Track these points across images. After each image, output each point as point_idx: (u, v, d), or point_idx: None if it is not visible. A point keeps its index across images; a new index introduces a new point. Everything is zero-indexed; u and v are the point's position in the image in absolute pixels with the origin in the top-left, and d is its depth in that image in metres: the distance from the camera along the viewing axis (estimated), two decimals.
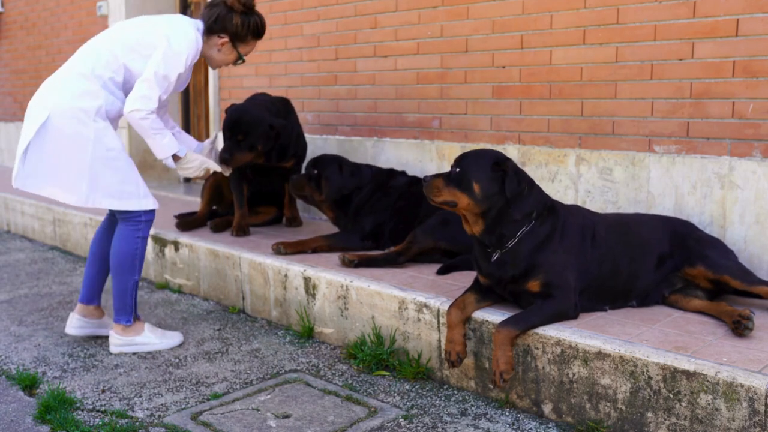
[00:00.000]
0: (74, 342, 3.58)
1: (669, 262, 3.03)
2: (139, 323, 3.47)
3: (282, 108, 4.53)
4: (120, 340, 3.43)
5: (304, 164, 4.68)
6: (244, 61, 3.53)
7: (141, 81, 3.17)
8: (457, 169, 2.85)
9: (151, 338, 3.46)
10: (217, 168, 3.62)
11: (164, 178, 7.16)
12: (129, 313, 3.41)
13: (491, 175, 2.79)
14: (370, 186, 4.15)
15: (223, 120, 4.22)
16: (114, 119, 3.34)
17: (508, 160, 2.86)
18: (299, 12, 5.37)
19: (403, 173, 4.28)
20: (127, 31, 3.30)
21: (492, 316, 2.89)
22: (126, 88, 3.29)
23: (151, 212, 3.39)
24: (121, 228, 3.37)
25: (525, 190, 2.81)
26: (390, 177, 4.23)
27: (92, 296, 3.57)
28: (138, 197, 3.31)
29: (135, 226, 3.35)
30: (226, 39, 3.39)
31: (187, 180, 3.71)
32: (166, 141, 3.30)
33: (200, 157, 3.49)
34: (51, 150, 3.19)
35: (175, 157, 3.40)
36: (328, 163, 4.18)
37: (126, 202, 3.29)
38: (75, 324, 3.54)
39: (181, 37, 3.23)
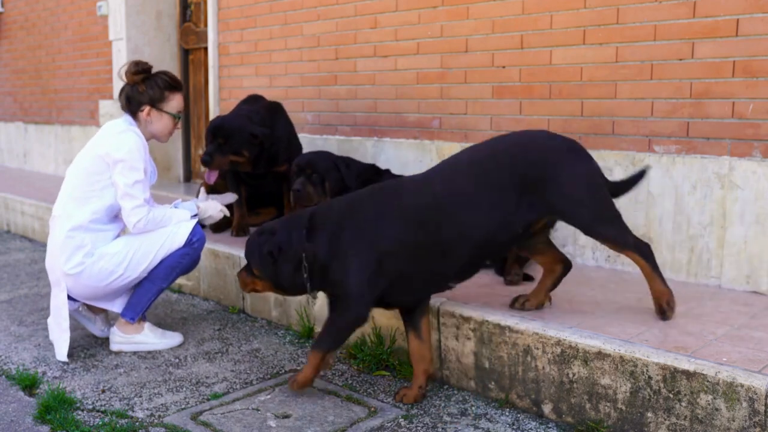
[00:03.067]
0: (74, 342, 3.58)
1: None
2: (141, 322, 3.50)
3: (267, 116, 4.46)
4: (120, 338, 3.46)
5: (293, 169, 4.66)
6: (180, 119, 3.58)
7: (122, 198, 3.30)
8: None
9: (150, 337, 3.48)
10: (231, 199, 4.06)
11: (164, 177, 7.16)
12: (138, 312, 3.46)
13: (263, 261, 2.83)
14: (360, 180, 4.05)
15: (206, 128, 4.32)
16: (105, 229, 3.41)
17: (261, 235, 2.88)
18: (299, 12, 5.37)
19: (387, 171, 4.13)
20: (79, 170, 3.37)
21: (492, 316, 2.89)
22: (113, 208, 3.37)
23: (201, 234, 3.50)
24: None
25: (277, 257, 2.81)
26: (376, 174, 4.07)
27: None
28: (174, 237, 3.42)
29: (188, 246, 3.47)
30: (146, 108, 3.46)
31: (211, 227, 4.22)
32: (177, 217, 3.46)
33: (211, 202, 3.71)
34: (88, 293, 3.40)
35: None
36: (324, 162, 4.03)
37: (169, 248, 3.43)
38: (71, 306, 3.53)
39: (122, 144, 3.31)
